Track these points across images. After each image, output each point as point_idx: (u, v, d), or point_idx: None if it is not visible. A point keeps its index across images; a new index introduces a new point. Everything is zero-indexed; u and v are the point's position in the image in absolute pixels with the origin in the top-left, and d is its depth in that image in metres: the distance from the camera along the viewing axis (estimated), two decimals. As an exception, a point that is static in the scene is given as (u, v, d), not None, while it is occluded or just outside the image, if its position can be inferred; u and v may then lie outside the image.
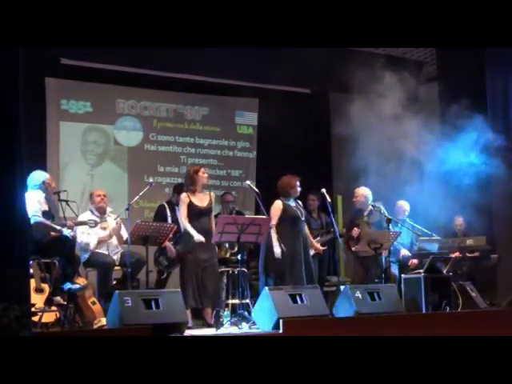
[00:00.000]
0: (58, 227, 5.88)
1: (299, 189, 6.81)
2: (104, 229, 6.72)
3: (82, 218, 6.58)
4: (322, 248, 7.17)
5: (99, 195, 6.86)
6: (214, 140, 9.92)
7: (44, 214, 5.90)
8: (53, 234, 5.91)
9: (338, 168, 10.19)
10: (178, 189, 7.77)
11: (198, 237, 6.33)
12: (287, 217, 6.65)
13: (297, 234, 6.66)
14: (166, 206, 7.68)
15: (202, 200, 6.57)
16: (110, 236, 6.69)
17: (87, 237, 6.58)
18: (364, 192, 7.58)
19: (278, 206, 6.67)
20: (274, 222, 6.52)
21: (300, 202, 6.93)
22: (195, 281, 6.34)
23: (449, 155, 8.37)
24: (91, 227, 6.47)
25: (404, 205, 7.86)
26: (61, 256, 5.84)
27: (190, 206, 6.47)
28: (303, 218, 6.75)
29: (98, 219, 6.55)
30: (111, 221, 6.83)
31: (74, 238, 6.12)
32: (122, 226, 6.82)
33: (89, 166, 9.04)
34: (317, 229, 8.11)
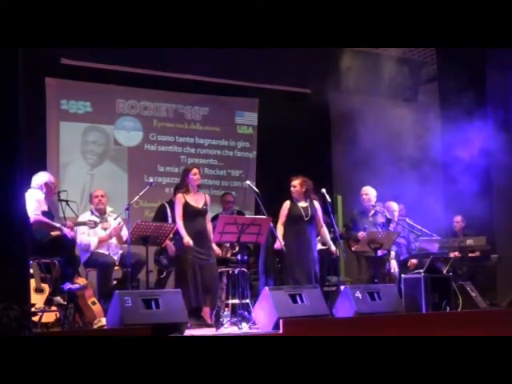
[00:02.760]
0: (58, 225, 5.88)
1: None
2: (105, 229, 6.73)
3: (83, 218, 6.59)
4: (333, 249, 7.04)
5: (96, 196, 6.87)
6: (214, 140, 9.91)
7: (43, 213, 5.89)
8: (53, 233, 5.91)
9: (338, 168, 10.20)
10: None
11: (188, 239, 6.31)
12: (290, 217, 6.74)
13: (298, 233, 6.67)
14: (167, 205, 7.67)
15: (197, 201, 6.56)
16: (110, 236, 6.69)
17: (87, 237, 6.60)
18: (372, 191, 7.55)
19: (285, 207, 6.83)
20: (281, 221, 6.72)
21: (316, 203, 6.90)
22: (190, 280, 6.31)
23: (449, 155, 8.39)
24: (91, 227, 6.47)
25: (392, 205, 7.83)
26: (61, 256, 5.83)
27: (186, 206, 6.47)
28: (307, 219, 6.74)
29: (97, 219, 6.55)
30: (112, 221, 6.83)
31: (74, 238, 6.12)
32: (124, 227, 6.82)
33: (89, 166, 9.04)
34: (317, 228, 8.09)
